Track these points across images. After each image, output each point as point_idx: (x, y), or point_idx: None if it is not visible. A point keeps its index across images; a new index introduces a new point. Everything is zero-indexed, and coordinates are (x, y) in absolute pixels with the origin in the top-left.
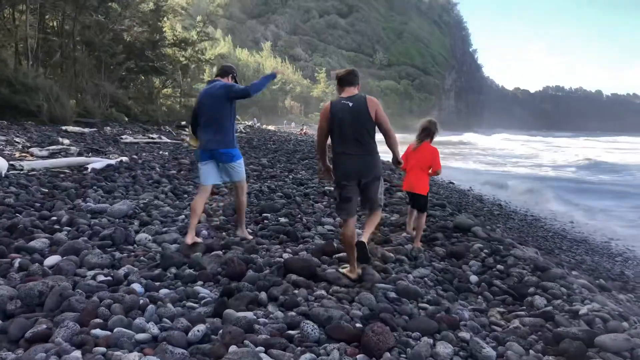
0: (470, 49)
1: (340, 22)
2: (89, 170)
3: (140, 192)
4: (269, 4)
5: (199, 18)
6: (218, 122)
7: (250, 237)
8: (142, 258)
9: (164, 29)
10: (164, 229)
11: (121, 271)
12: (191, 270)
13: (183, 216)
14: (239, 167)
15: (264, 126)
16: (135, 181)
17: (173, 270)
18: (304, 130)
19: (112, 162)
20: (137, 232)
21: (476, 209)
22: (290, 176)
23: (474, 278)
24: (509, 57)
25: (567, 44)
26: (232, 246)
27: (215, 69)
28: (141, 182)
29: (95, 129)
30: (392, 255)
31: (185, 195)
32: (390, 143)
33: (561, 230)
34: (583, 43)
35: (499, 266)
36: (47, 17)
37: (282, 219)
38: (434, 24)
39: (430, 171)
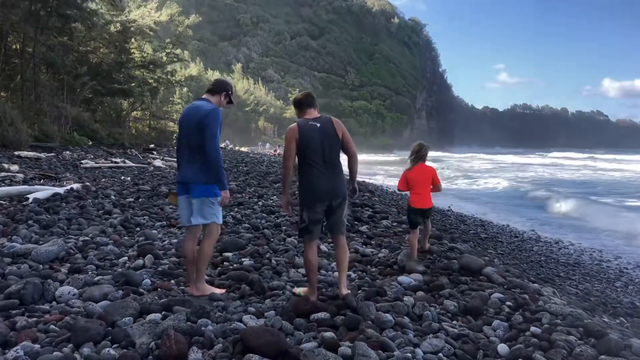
0: (440, 69)
1: (311, 43)
2: (30, 200)
3: (85, 226)
4: (241, 26)
5: (168, 40)
6: (195, 149)
7: (208, 291)
8: (52, 326)
9: (131, 51)
10: (97, 278)
11: (10, 355)
12: (111, 351)
13: (126, 258)
14: (211, 206)
15: (237, 148)
16: (83, 212)
17: (86, 349)
18: (278, 152)
19: (60, 190)
20: (62, 282)
21: (462, 231)
22: (260, 202)
23: (503, 348)
24: (476, 77)
25: (528, 63)
26: (176, 306)
27: (185, 90)
28: (89, 214)
29: (53, 154)
30: (389, 317)
31: (137, 229)
32: (354, 165)
33: (549, 251)
34: (544, 62)
35: (533, 329)
36: (9, 39)
37: (247, 261)
38: (404, 45)
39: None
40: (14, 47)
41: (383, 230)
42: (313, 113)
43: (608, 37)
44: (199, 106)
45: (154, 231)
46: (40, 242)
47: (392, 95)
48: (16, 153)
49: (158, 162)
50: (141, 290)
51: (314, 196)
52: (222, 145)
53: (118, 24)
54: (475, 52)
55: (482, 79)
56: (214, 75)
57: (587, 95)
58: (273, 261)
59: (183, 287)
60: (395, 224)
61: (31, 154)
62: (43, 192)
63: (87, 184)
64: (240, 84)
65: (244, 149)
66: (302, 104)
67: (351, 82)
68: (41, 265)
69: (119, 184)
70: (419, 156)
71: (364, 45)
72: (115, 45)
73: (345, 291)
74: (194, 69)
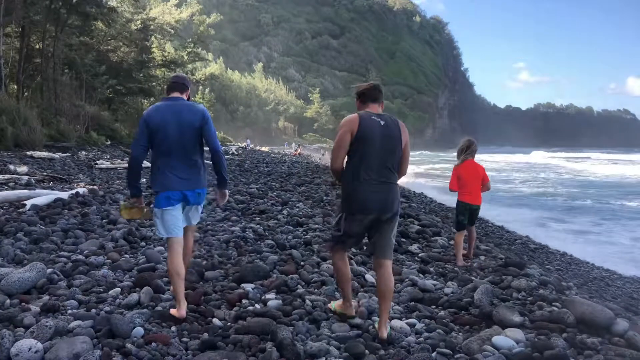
0: (462, 68)
1: (332, 42)
2: (27, 207)
3: (82, 240)
4: (262, 26)
5: (189, 39)
6: (192, 153)
7: (183, 313)
8: None
9: (152, 49)
10: (73, 324)
11: None
12: None
13: (118, 290)
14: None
15: (258, 147)
16: (84, 222)
17: None
18: (298, 151)
19: (63, 195)
20: (27, 328)
21: (508, 241)
22: (285, 211)
23: None
24: (497, 76)
25: (548, 62)
26: None
27: (207, 90)
28: (91, 223)
29: (68, 154)
30: None
31: (143, 244)
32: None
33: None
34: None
35: None
36: (32, 38)
37: (272, 298)
38: (426, 44)
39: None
40: (36, 46)
41: (440, 251)
42: (377, 109)
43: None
44: (188, 106)
45: (158, 248)
46: (25, 262)
47: (414, 94)
48: (29, 153)
49: None
50: (128, 345)
51: (358, 205)
52: (243, 144)
53: (138, 22)
54: (494, 51)
55: (502, 78)
56: (234, 74)
57: (611, 94)
58: (307, 302)
59: (187, 339)
60: (452, 242)
61: (45, 154)
62: (44, 197)
63: (95, 187)
64: (261, 84)
65: (264, 148)
66: (365, 97)
67: (372, 81)
68: (9, 300)
69: None
70: (470, 152)
71: (386, 44)
72: (135, 44)
73: (386, 333)
74: (215, 68)
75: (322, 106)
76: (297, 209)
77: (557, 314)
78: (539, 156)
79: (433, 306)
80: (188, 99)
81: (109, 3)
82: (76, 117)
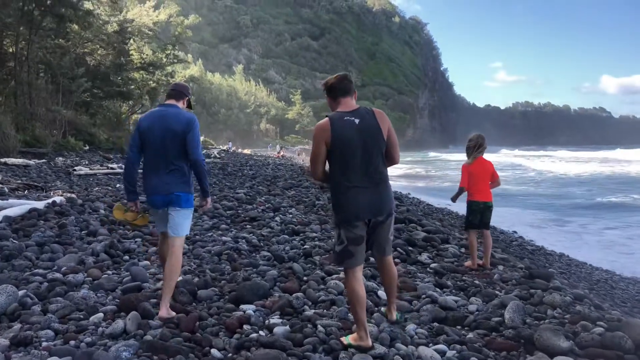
0: (441, 68)
1: (312, 44)
2: (0, 219)
3: (60, 255)
4: (241, 28)
5: (168, 42)
6: (174, 158)
7: (174, 314)
8: None
9: (130, 52)
10: None
11: None
12: None
13: (101, 315)
14: (185, 217)
15: (239, 150)
16: (61, 234)
17: None
18: (281, 153)
19: (39, 205)
20: None
21: (519, 246)
22: (278, 218)
23: None
24: (473, 76)
25: (525, 61)
26: None
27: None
28: (69, 236)
29: (44, 160)
30: None
31: (126, 257)
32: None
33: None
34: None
35: None
36: (5, 42)
37: (277, 324)
38: (405, 44)
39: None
40: (9, 50)
41: (453, 261)
42: (350, 103)
43: (606, 33)
44: (175, 113)
45: (145, 263)
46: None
47: (395, 94)
48: (2, 160)
49: None
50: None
51: (352, 213)
52: (225, 147)
53: (115, 24)
54: (471, 51)
55: (480, 78)
56: (214, 77)
57: (586, 92)
58: (320, 327)
59: None
60: (462, 250)
61: (19, 160)
62: (17, 207)
63: (73, 195)
64: (242, 86)
65: (247, 151)
66: (335, 91)
67: (353, 82)
68: None
69: (113, 193)
70: (481, 150)
71: (365, 45)
72: (113, 47)
73: (394, 315)
74: (194, 70)
75: (303, 108)
76: (291, 216)
77: (612, 338)
78: (506, 155)
79: (458, 326)
80: (189, 107)
81: (84, 5)
82: (52, 122)
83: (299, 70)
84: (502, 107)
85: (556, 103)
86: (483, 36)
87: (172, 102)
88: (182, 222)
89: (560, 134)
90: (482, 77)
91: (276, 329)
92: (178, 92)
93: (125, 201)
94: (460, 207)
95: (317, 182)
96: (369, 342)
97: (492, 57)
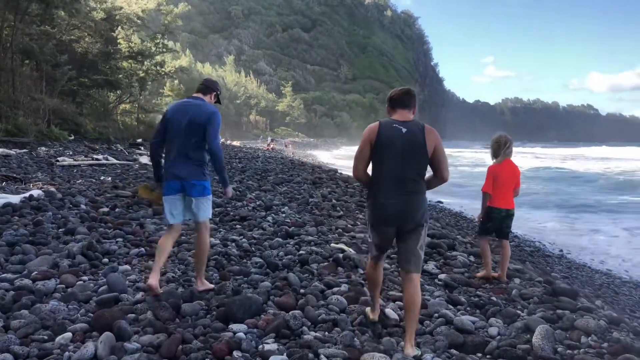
0: (432, 63)
1: (303, 36)
2: None
3: (32, 256)
4: (232, 18)
5: (157, 32)
6: (192, 147)
7: (212, 285)
8: None
9: (118, 40)
10: None
11: None
12: None
13: (69, 336)
14: (207, 203)
15: (229, 142)
16: (36, 232)
17: None
18: (271, 145)
19: (14, 199)
20: None
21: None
22: (270, 218)
23: None
24: (463, 71)
25: (515, 56)
26: None
27: (176, 83)
28: (44, 234)
29: (26, 150)
30: None
31: (105, 260)
32: (434, 186)
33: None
34: (531, 55)
35: None
36: None
37: (274, 352)
38: (397, 38)
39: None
40: None
41: (463, 271)
42: (405, 115)
43: (595, 30)
44: (199, 105)
45: (125, 267)
46: None
47: (386, 88)
48: None
49: (145, 159)
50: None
51: (378, 216)
52: None
53: (102, 11)
54: (461, 46)
55: (469, 73)
56: (204, 67)
57: (574, 89)
58: (322, 357)
59: None
60: (472, 258)
61: None
62: None
63: (52, 189)
64: (232, 77)
65: (236, 143)
66: (395, 102)
67: (344, 75)
68: None
69: (96, 186)
70: (509, 150)
71: (357, 38)
72: (100, 35)
73: (412, 350)
74: (183, 60)
75: (294, 100)
76: (284, 215)
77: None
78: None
79: (479, 354)
80: (218, 102)
81: None
82: (36, 111)
83: (290, 62)
84: (492, 103)
85: (545, 99)
86: (474, 30)
87: (199, 95)
88: (204, 207)
89: (548, 130)
90: (472, 72)
91: (272, 359)
92: (206, 86)
93: (152, 182)
94: (455, 205)
95: (356, 179)
96: (375, 315)
97: (483, 52)
